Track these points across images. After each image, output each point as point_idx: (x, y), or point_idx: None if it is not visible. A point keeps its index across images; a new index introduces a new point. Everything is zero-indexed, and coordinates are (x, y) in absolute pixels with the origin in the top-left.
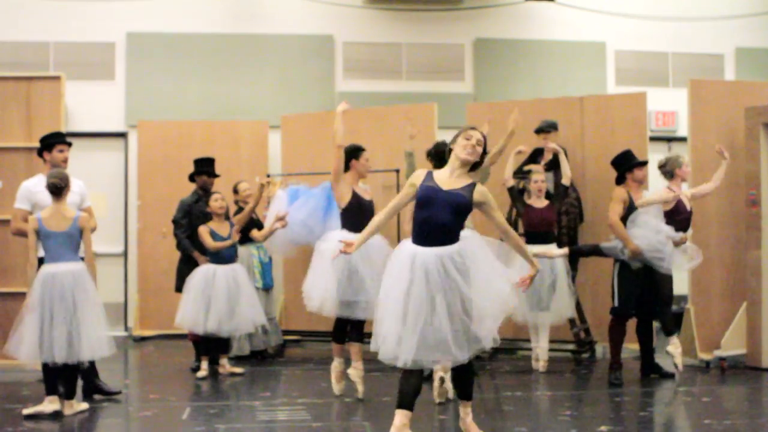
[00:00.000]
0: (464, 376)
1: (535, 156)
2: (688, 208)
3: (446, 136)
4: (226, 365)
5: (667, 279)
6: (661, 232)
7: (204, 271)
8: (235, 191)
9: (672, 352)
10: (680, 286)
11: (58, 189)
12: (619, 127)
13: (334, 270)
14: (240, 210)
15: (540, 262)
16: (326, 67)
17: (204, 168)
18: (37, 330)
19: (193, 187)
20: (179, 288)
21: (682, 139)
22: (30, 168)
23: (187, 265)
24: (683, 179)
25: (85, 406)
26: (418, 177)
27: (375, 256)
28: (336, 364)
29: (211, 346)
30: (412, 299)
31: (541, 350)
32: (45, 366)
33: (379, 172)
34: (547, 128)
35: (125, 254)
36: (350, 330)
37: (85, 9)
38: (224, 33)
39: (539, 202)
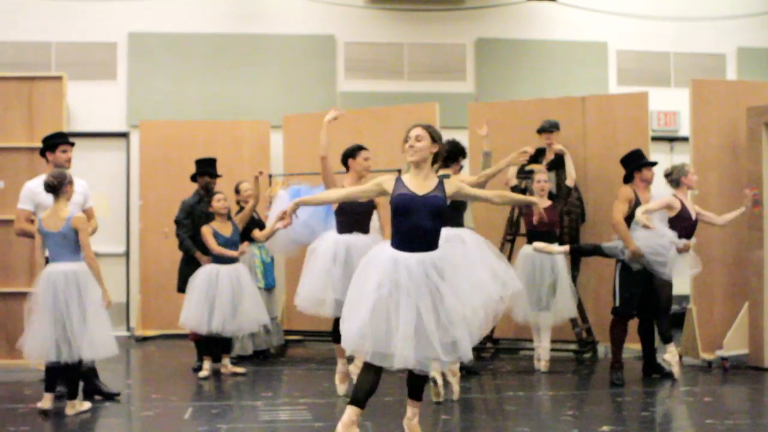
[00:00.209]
0: (419, 378)
1: (537, 156)
2: (693, 216)
3: (447, 137)
4: (227, 365)
5: (666, 285)
6: (665, 236)
7: (207, 271)
8: (237, 191)
9: (669, 360)
10: (682, 285)
11: (52, 188)
12: (620, 127)
13: (328, 270)
14: (242, 210)
15: (541, 261)
16: (328, 67)
17: (206, 168)
18: (40, 329)
19: (194, 187)
20: (181, 288)
21: (684, 139)
22: (32, 168)
23: (189, 266)
24: (689, 187)
25: (87, 405)
26: (388, 183)
27: None
28: (340, 366)
29: (213, 346)
30: (391, 301)
31: (542, 350)
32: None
33: (381, 172)
34: (549, 128)
35: (127, 254)
36: None
37: (87, 9)
38: (226, 33)
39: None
